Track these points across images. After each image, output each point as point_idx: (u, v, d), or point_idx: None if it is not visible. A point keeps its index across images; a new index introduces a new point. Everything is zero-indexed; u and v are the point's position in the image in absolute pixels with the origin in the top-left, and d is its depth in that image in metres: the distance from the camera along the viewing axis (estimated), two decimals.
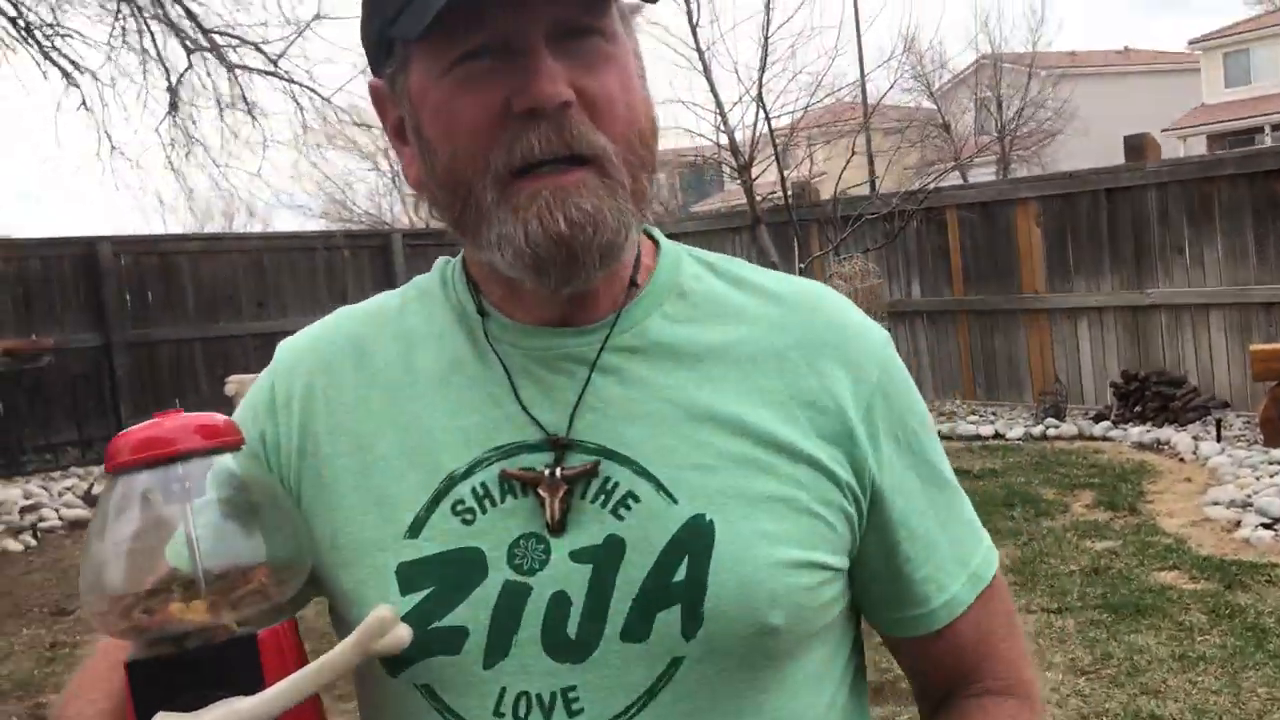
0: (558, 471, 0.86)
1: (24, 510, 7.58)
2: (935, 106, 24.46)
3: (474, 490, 0.87)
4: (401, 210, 26.33)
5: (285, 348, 1.00)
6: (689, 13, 8.11)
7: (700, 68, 8.26)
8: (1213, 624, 4.31)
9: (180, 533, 0.83)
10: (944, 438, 7.99)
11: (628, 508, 0.85)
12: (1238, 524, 5.50)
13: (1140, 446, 7.48)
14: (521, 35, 0.81)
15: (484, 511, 0.87)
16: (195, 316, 10.17)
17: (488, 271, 0.91)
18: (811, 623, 0.88)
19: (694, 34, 8.19)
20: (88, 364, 9.33)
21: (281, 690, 0.79)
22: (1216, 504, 5.82)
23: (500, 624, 0.84)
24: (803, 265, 8.66)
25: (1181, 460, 7.03)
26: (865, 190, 10.53)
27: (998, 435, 8.01)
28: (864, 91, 13.00)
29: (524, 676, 0.84)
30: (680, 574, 0.84)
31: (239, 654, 0.80)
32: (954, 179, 13.43)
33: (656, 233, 0.99)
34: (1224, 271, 7.95)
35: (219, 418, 0.87)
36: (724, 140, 8.50)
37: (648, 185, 0.88)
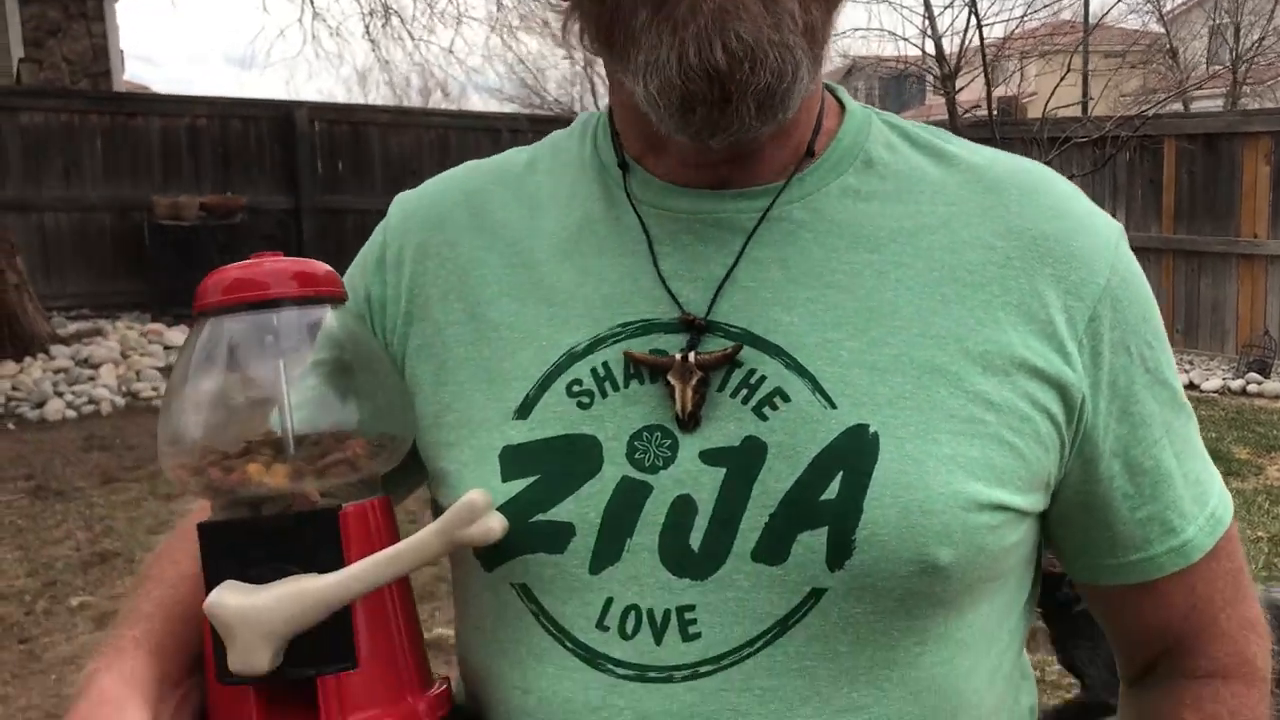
0: (691, 356, 0.72)
1: None
2: (1164, 30, 22.79)
3: (594, 371, 0.75)
4: (591, 101, 26.35)
5: (400, 201, 0.90)
6: None
7: None
8: None
9: (259, 387, 0.75)
10: None
11: (774, 407, 0.72)
12: None
13: None
14: None
15: (603, 396, 0.74)
16: (381, 188, 10.36)
17: (635, 119, 0.77)
18: (986, 568, 0.73)
19: None
20: (276, 225, 9.65)
21: (355, 573, 0.70)
22: None
23: (612, 525, 0.72)
24: None
25: None
26: (1076, 113, 9.87)
27: (1192, 385, 7.48)
28: (1086, 7, 12.14)
29: (635, 588, 0.72)
30: (831, 492, 0.69)
31: (318, 527, 0.71)
32: (1175, 109, 12.48)
33: (842, 92, 0.84)
34: None
35: (320, 266, 0.78)
36: (930, 47, 8.05)
37: (823, 21, 0.71)
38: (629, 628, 0.72)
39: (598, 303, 0.77)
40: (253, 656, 0.69)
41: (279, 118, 9.70)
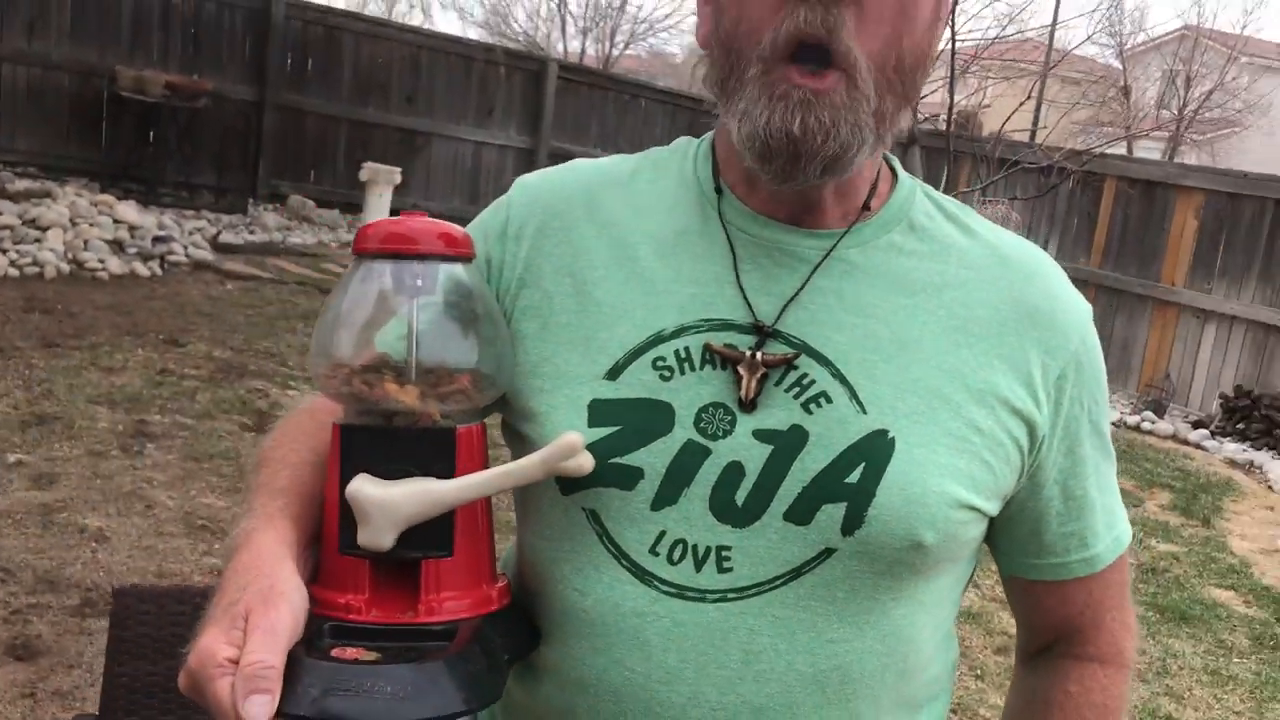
0: (759, 355, 0.91)
1: (155, 240, 7.85)
2: (1121, 67, 23.28)
3: (677, 352, 0.92)
4: (558, 38, 26.04)
5: (523, 184, 1.06)
6: None
7: None
8: (1254, 650, 4.33)
9: (400, 322, 0.90)
10: None
11: (819, 405, 0.90)
12: None
13: (1232, 464, 7.34)
14: None
15: (682, 373, 0.92)
16: (347, 96, 10.29)
17: (733, 153, 0.94)
18: (953, 551, 0.93)
19: None
20: (238, 116, 9.53)
21: (470, 482, 0.86)
22: None
23: (675, 475, 0.90)
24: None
25: (1270, 488, 6.89)
26: (1025, 136, 10.19)
27: None
28: (1051, 37, 12.45)
29: (686, 526, 0.90)
30: (853, 477, 0.89)
31: (439, 440, 0.87)
32: (1119, 149, 12.88)
33: (897, 165, 1.03)
34: None
35: (459, 230, 0.92)
36: None
37: (894, 111, 0.89)
38: (675, 556, 0.91)
39: (686, 299, 0.95)
40: (379, 537, 0.85)
41: (255, 8, 9.55)
